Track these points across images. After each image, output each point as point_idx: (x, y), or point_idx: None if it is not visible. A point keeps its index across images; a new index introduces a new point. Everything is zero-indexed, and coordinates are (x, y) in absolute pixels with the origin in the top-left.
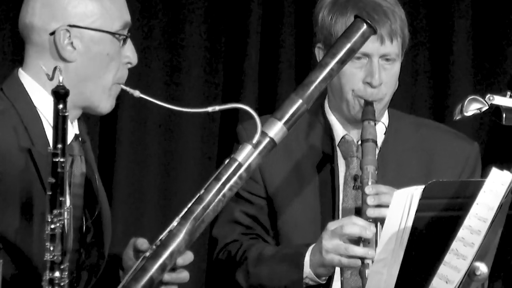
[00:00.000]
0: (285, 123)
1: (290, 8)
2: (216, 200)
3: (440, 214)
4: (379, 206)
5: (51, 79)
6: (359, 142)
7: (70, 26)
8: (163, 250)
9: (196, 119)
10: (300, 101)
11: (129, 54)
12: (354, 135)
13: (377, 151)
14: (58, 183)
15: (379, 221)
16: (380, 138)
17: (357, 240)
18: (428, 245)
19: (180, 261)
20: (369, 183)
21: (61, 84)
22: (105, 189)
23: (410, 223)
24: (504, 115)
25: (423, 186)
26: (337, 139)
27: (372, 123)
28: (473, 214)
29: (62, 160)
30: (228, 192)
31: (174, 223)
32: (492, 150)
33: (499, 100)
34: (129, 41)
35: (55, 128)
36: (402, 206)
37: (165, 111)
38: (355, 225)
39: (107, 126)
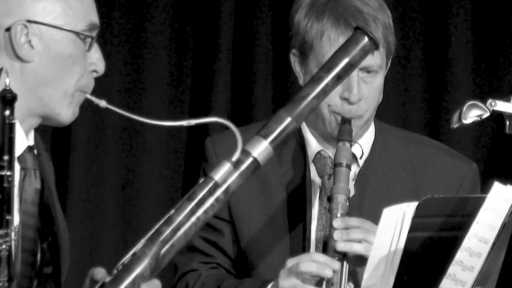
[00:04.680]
0: (271, 142)
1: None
2: (189, 223)
3: (435, 234)
4: (347, 241)
5: None
6: None
7: (28, 21)
8: (125, 275)
9: (161, 128)
10: (289, 118)
11: (95, 60)
12: (331, 152)
13: (358, 169)
14: (5, 200)
15: (345, 260)
16: (365, 154)
17: (320, 280)
18: (422, 269)
19: (145, 287)
20: (338, 215)
21: (7, 88)
22: None
23: (402, 245)
24: (507, 122)
25: (416, 203)
26: (312, 155)
27: (347, 144)
28: (473, 235)
29: (8, 173)
30: (203, 215)
31: (139, 245)
32: (494, 162)
33: (501, 106)
34: (96, 46)
35: (1, 137)
36: (393, 225)
37: (125, 118)
38: (313, 263)
39: (60, 135)
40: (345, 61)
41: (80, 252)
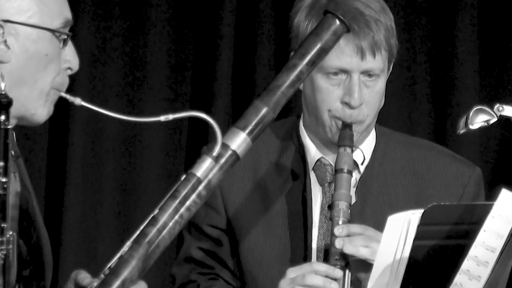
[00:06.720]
0: (248, 134)
1: (266, 5)
2: (173, 221)
3: (441, 243)
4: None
5: None
6: None
7: (4, 21)
8: (113, 279)
9: (160, 131)
10: (266, 108)
11: (70, 57)
12: (331, 159)
13: (359, 175)
14: (0, 207)
15: (347, 268)
16: (366, 160)
17: None
18: (428, 278)
19: None
20: (340, 222)
21: (3, 93)
22: (54, 212)
23: (407, 253)
24: None
25: (421, 210)
26: (312, 163)
27: (348, 150)
28: (480, 243)
29: (4, 180)
30: (186, 213)
31: (125, 248)
32: (502, 168)
33: (509, 110)
34: (70, 43)
35: None
36: (397, 233)
37: (123, 122)
38: (318, 276)
39: (57, 139)
40: (318, 46)
41: (78, 256)
